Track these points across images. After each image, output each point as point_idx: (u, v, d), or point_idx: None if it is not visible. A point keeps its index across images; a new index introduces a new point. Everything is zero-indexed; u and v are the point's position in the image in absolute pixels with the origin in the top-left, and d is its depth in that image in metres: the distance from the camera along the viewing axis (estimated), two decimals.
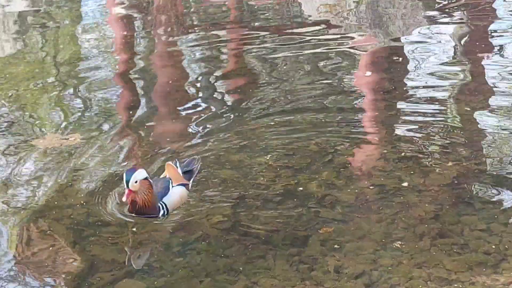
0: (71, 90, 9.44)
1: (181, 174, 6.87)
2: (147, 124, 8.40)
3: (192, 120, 8.42)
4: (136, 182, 6.37)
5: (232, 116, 8.47)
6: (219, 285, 5.73)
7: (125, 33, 11.61)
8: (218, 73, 9.95)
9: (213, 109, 8.73)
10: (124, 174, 6.40)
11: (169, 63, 10.38)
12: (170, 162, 6.89)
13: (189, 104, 8.92)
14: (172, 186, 6.69)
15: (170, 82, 9.63)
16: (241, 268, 5.87)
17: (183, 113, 8.73)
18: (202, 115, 8.53)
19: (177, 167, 6.87)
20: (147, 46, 11.23)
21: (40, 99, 9.24)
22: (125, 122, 8.48)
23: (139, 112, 8.81)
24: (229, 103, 8.99)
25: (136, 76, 9.97)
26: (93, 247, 6.25)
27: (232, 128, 8.13)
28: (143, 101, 9.16)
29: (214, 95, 9.18)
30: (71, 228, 6.52)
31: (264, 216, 6.53)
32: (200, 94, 9.26)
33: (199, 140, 7.92)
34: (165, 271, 5.94)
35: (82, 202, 6.85)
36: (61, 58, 10.70)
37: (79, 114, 8.80)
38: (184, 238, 6.32)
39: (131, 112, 8.79)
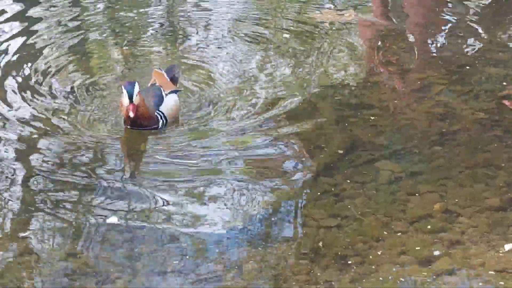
0: None
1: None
2: None
3: None
4: (137, 95, 6.16)
5: None
6: (478, 178, 5.78)
7: None
8: None
9: None
10: (126, 89, 6.10)
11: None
12: (157, 69, 6.66)
13: None
14: (165, 94, 6.45)
15: None
16: (502, 165, 5.91)
17: None
18: None
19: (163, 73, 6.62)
20: None
21: None
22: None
23: None
24: None
25: None
26: (353, 127, 6.51)
27: None
28: None
29: None
30: (335, 107, 6.81)
31: None
32: None
33: None
34: (422, 157, 6.08)
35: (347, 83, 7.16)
36: None
37: None
38: (443, 128, 6.42)
39: None
